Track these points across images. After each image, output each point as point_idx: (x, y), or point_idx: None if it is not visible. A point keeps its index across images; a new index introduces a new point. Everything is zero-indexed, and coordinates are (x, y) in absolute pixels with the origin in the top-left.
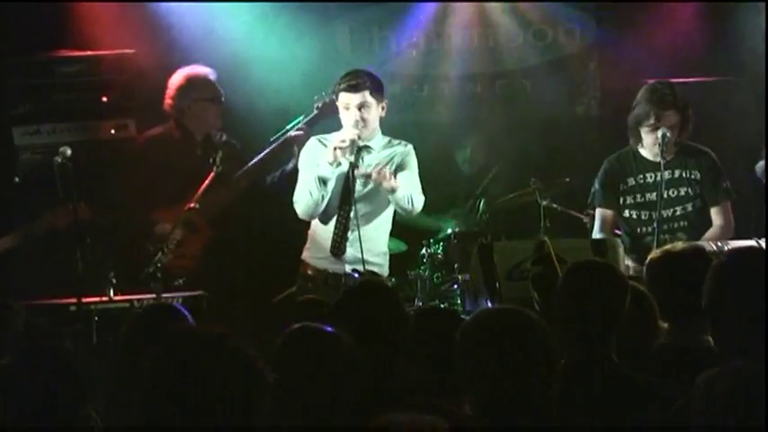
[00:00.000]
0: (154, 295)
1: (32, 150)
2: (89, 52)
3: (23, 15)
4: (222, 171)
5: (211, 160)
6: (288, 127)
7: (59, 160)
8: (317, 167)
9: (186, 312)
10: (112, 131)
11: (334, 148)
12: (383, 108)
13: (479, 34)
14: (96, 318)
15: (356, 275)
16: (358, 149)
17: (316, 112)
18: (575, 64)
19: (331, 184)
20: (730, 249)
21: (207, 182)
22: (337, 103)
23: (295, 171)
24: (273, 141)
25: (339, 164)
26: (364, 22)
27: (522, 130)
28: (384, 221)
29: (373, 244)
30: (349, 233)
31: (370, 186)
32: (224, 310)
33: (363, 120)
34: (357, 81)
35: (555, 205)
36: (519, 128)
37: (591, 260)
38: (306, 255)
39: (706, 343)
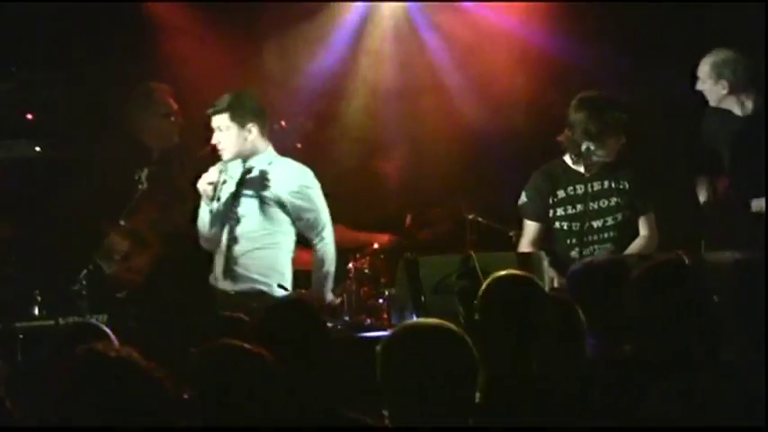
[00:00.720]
0: (78, 315)
1: None
2: (13, 69)
3: None
4: (151, 188)
5: (136, 177)
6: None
7: None
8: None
9: (108, 331)
10: (37, 149)
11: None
12: (252, 131)
13: (406, 50)
14: (21, 336)
15: (282, 291)
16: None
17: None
18: (503, 79)
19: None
20: (646, 263)
21: (134, 199)
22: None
23: None
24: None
25: (218, 198)
26: (295, 38)
27: (448, 143)
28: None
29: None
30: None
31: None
32: (154, 327)
33: (219, 142)
34: (216, 105)
35: (480, 219)
36: (445, 141)
37: (510, 273)
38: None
39: (627, 353)
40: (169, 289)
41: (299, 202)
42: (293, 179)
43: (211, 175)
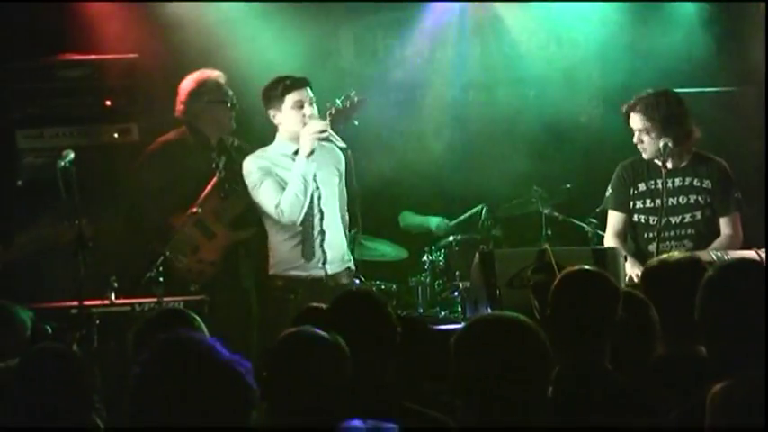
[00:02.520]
0: (155, 299)
1: (35, 154)
2: (93, 56)
3: (27, 19)
4: (226, 176)
5: (214, 165)
6: None
7: (62, 164)
8: (283, 171)
9: (197, 319)
10: (115, 135)
11: (311, 137)
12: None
13: (484, 43)
14: (98, 321)
15: (357, 282)
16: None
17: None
18: (579, 72)
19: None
20: (723, 261)
21: (210, 186)
22: (283, 107)
23: None
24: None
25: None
26: (369, 28)
27: (526, 137)
28: (341, 219)
29: (341, 243)
30: (317, 234)
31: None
32: (231, 315)
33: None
34: (301, 77)
35: (556, 214)
36: (522, 136)
37: (581, 269)
38: (277, 269)
39: (700, 353)
40: (237, 278)
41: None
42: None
43: (321, 124)
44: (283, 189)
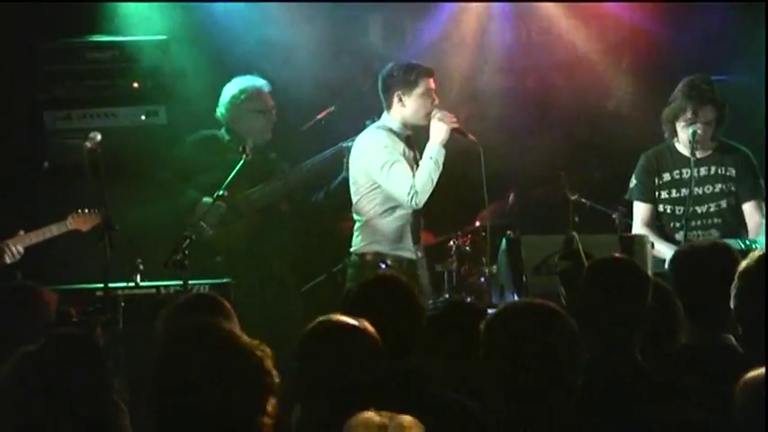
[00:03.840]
0: (180, 282)
1: (63, 135)
2: (121, 38)
3: (56, 0)
4: (251, 166)
5: (241, 148)
6: (318, 117)
7: (89, 146)
8: (411, 153)
9: (226, 304)
10: (143, 118)
11: (449, 126)
12: None
13: (511, 28)
14: (123, 304)
15: (382, 265)
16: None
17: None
18: (606, 60)
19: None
20: (760, 251)
21: (237, 169)
22: (414, 91)
23: (345, 183)
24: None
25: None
26: (398, 12)
27: (554, 124)
28: None
29: None
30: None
31: None
32: (254, 294)
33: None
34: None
35: (584, 200)
36: (550, 122)
37: (612, 257)
38: (377, 247)
39: (728, 341)
40: (267, 256)
41: None
42: None
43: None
44: (413, 172)
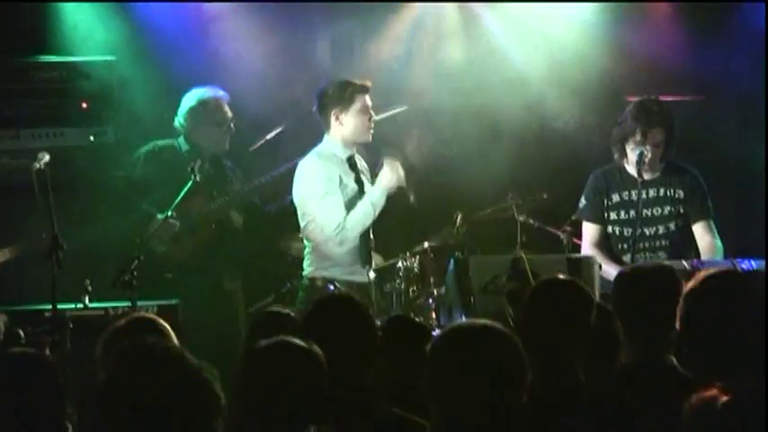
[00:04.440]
0: (129, 303)
1: (10, 155)
2: (70, 58)
3: (4, 19)
4: (204, 181)
5: (189, 169)
6: (267, 137)
7: (38, 166)
8: (352, 175)
9: (165, 326)
10: (91, 138)
11: (399, 179)
12: None
13: (462, 46)
14: (71, 325)
15: (331, 288)
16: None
17: None
18: (553, 80)
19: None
20: (706, 273)
21: (185, 189)
22: (351, 108)
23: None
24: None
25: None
26: (346, 33)
27: (501, 144)
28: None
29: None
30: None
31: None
32: (204, 312)
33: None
34: (368, 84)
35: (531, 221)
36: (499, 141)
37: (557, 277)
38: (327, 273)
39: (670, 362)
40: (218, 273)
41: None
42: None
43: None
44: (347, 206)
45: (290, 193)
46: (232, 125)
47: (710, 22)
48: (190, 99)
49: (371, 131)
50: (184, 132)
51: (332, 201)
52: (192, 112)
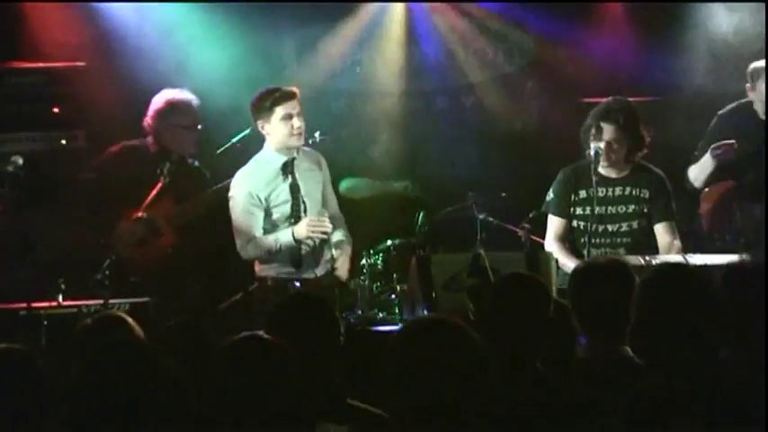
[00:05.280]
0: (101, 301)
1: None
2: (41, 64)
3: None
4: (170, 184)
5: (158, 171)
6: (234, 140)
7: (11, 169)
8: (266, 191)
9: (131, 322)
10: (63, 142)
11: (311, 231)
12: None
13: (422, 51)
14: (45, 323)
15: (297, 284)
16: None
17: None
18: (513, 82)
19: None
20: (657, 267)
21: (154, 192)
22: (272, 118)
23: None
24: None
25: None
26: (311, 37)
27: (462, 144)
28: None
29: (324, 248)
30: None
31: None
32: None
33: (294, 131)
34: (287, 89)
35: (491, 219)
36: (458, 143)
37: (516, 273)
38: (268, 271)
39: (625, 353)
40: (182, 276)
41: None
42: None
43: (325, 227)
44: (260, 226)
45: None
46: (199, 127)
47: (663, 25)
48: (158, 100)
49: (300, 136)
50: (153, 133)
51: (245, 218)
52: (160, 113)
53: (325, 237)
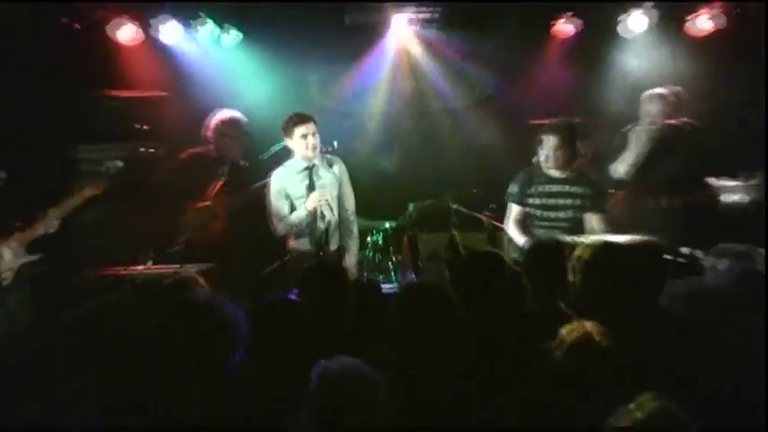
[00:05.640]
0: (178, 266)
1: (94, 162)
2: (134, 93)
3: (83, 61)
4: (227, 181)
5: (219, 171)
6: (272, 149)
7: (112, 170)
8: (293, 188)
9: (203, 281)
10: (150, 150)
11: (317, 201)
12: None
13: (410, 82)
14: (138, 282)
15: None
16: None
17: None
18: (481, 107)
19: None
20: (589, 243)
21: (218, 187)
22: (293, 136)
23: None
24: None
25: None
26: (331, 73)
27: (442, 153)
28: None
29: (338, 232)
30: (320, 233)
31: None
32: (225, 276)
33: (309, 146)
34: (305, 114)
35: (462, 209)
36: (440, 152)
37: (481, 249)
38: (295, 246)
39: (559, 306)
40: (234, 250)
41: None
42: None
43: (324, 195)
44: (287, 211)
45: None
46: (245, 140)
47: (591, 64)
48: (214, 118)
49: (314, 150)
50: (210, 143)
51: (276, 205)
52: (216, 128)
53: (325, 204)
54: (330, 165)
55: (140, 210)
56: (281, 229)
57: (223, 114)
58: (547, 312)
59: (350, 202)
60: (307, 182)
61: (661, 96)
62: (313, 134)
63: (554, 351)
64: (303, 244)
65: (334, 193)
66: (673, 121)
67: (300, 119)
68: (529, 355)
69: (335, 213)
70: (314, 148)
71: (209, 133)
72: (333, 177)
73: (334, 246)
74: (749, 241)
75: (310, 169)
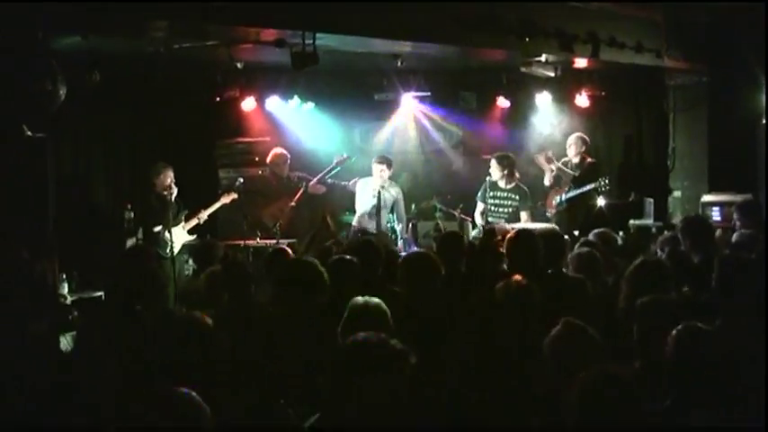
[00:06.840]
0: (275, 241)
1: (228, 180)
2: (249, 139)
3: (229, 121)
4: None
5: (237, 183)
6: (327, 171)
7: (237, 185)
8: (367, 194)
9: (290, 252)
10: (260, 172)
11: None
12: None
13: (416, 134)
14: (252, 250)
15: (358, 234)
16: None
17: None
18: (454, 148)
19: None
20: (519, 229)
21: (299, 193)
22: (373, 169)
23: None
24: (329, 179)
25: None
26: (369, 127)
27: (434, 173)
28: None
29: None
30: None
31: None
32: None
33: (383, 177)
34: (381, 158)
35: (443, 207)
36: (434, 172)
37: (454, 231)
38: (355, 223)
39: (503, 269)
40: (304, 229)
41: None
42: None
43: (377, 186)
44: (365, 204)
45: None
46: (288, 164)
47: (519, 120)
48: (273, 153)
49: (381, 179)
50: (271, 167)
51: (361, 201)
52: (274, 159)
53: (375, 193)
54: (391, 187)
55: (254, 206)
56: (358, 218)
57: (278, 151)
58: (491, 271)
59: (401, 214)
60: (376, 195)
61: (578, 138)
62: (383, 168)
63: (497, 292)
64: (359, 223)
65: (390, 205)
66: (581, 155)
67: (380, 160)
68: (480, 294)
69: (387, 214)
70: (381, 177)
71: (270, 162)
72: (390, 197)
73: (374, 229)
74: (611, 228)
75: (379, 188)
